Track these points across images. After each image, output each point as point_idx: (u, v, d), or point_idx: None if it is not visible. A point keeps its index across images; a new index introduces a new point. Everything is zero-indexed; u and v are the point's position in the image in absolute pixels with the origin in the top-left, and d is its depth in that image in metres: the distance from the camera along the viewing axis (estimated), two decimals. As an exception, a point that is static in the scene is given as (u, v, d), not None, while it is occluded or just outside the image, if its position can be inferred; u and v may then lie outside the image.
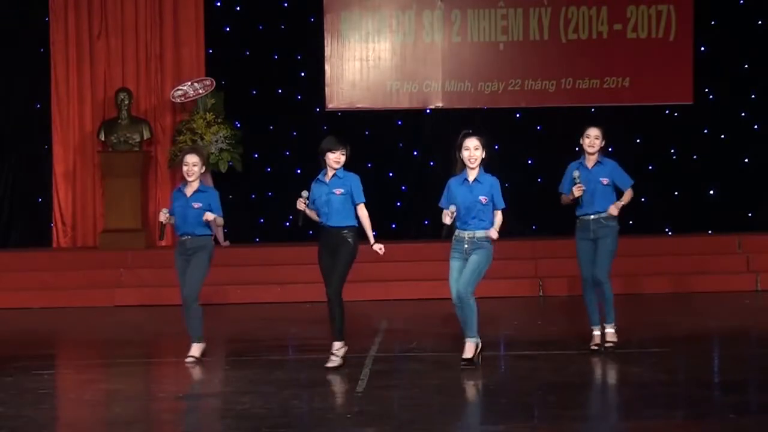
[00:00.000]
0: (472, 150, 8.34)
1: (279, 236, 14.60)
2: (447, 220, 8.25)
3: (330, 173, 8.57)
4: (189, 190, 9.00)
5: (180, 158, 9.30)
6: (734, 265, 13.44)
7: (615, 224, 8.98)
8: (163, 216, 8.96)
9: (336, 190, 8.51)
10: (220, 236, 14.24)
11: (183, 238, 8.97)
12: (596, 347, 8.94)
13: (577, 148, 9.21)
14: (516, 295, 12.68)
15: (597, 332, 9.00)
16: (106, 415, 7.50)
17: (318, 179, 8.61)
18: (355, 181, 8.60)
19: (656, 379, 8.08)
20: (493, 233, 8.31)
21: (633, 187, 9.10)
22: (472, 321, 8.35)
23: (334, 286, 8.52)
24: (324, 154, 8.55)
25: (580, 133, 9.10)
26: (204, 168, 9.10)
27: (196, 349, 9.02)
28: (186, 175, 8.99)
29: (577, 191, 8.89)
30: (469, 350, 8.37)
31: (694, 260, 13.47)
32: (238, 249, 14.05)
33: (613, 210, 8.91)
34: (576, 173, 8.93)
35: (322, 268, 8.60)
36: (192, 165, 8.96)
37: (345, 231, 8.52)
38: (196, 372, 8.82)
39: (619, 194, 9.06)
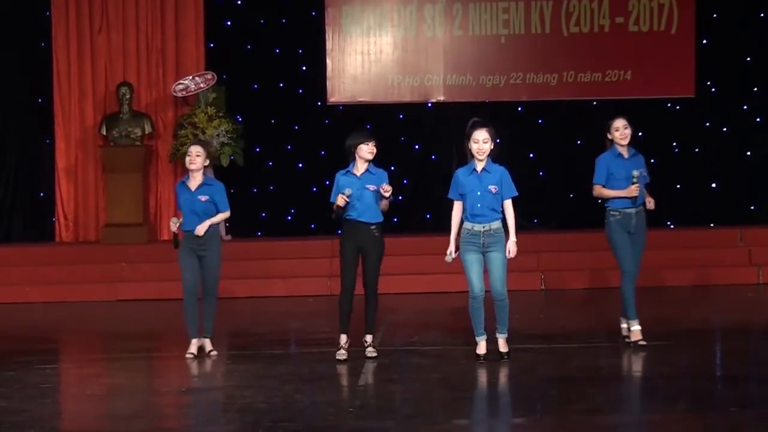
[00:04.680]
0: (481, 143, 8.28)
1: (281, 230, 14.61)
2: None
3: (361, 167, 8.60)
4: (193, 184, 8.94)
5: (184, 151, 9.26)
6: (736, 259, 13.44)
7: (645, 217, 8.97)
8: (174, 226, 8.87)
9: (369, 186, 8.56)
10: (222, 230, 14.24)
11: (194, 233, 8.91)
12: (644, 342, 8.83)
13: (609, 138, 8.95)
14: (518, 288, 12.63)
15: (637, 327, 8.87)
16: (109, 409, 7.52)
17: (348, 172, 8.62)
18: (384, 176, 8.67)
19: (658, 372, 8.09)
20: (514, 251, 8.34)
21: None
22: (507, 316, 8.44)
23: (372, 282, 8.64)
24: (356, 147, 8.58)
25: (606, 127, 8.92)
26: (208, 161, 9.06)
27: (195, 345, 9.04)
28: (188, 164, 8.90)
29: (635, 190, 8.73)
30: (505, 345, 8.45)
31: (696, 253, 13.46)
32: (239, 243, 14.05)
33: (652, 204, 8.86)
34: (636, 173, 8.74)
35: (346, 262, 8.59)
36: (195, 155, 8.89)
37: (374, 227, 8.61)
38: (199, 366, 8.83)
39: None
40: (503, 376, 8.16)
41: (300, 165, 14.74)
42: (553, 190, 14.69)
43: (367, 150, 8.59)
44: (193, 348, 9.00)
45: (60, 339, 10.90)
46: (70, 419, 7.37)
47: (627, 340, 8.90)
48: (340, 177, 8.66)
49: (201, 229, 8.85)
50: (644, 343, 8.80)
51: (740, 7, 14.78)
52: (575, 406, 7.11)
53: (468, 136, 8.33)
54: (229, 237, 14.27)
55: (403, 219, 14.63)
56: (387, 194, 8.52)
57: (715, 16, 14.77)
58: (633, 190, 8.74)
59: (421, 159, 14.87)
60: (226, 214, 9.11)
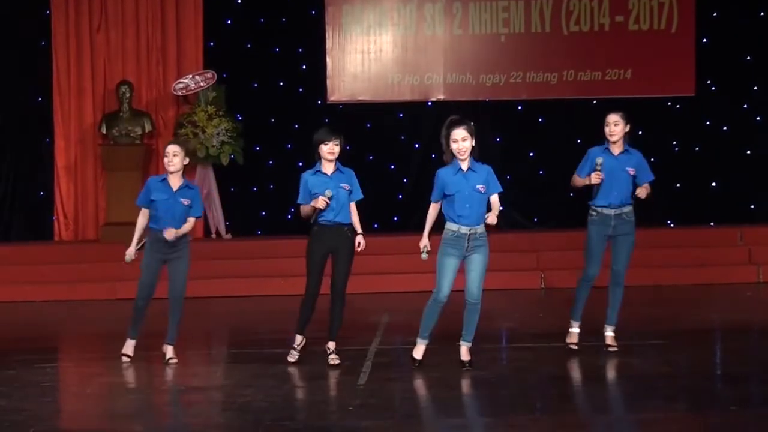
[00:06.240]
0: (461, 142, 8.02)
1: (280, 229, 14.60)
2: (424, 256, 8.07)
3: (329, 167, 8.35)
4: (174, 184, 8.62)
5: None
6: (736, 257, 13.44)
7: (634, 220, 8.65)
8: (129, 255, 8.69)
9: (344, 185, 8.33)
10: (222, 229, 14.25)
11: (163, 235, 8.59)
12: (575, 347, 8.73)
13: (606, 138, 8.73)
14: (518, 287, 12.69)
15: (577, 330, 8.77)
16: (109, 408, 7.52)
17: (318, 172, 8.34)
18: (354, 176, 8.46)
19: (657, 371, 8.09)
20: (493, 218, 7.93)
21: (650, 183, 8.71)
22: (476, 324, 8.17)
23: (342, 286, 8.39)
24: (317, 146, 8.35)
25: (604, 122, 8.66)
26: (186, 160, 8.67)
27: (131, 346, 8.83)
28: (166, 166, 8.57)
29: (595, 178, 8.39)
30: (467, 353, 8.22)
31: (696, 252, 13.48)
32: (239, 242, 14.06)
33: (642, 192, 8.44)
34: (599, 159, 8.43)
35: (316, 264, 8.35)
36: (173, 155, 8.53)
37: (346, 228, 8.38)
38: (198, 365, 8.82)
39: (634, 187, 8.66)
40: (503, 375, 8.16)
41: (300, 164, 14.72)
42: (553, 189, 14.68)
43: (326, 150, 8.29)
44: (129, 349, 8.76)
45: (60, 338, 10.90)
46: (70, 418, 7.37)
47: (611, 348, 8.74)
48: (308, 178, 8.34)
49: (171, 235, 8.50)
50: (575, 348, 8.71)
51: (740, 6, 14.77)
52: (575, 405, 7.12)
53: (447, 136, 8.10)
54: (229, 236, 14.28)
55: (403, 218, 14.64)
56: (360, 248, 8.38)
57: (715, 14, 14.77)
58: (593, 178, 8.42)
59: (421, 158, 14.86)
60: (194, 222, 8.78)
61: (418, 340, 8.34)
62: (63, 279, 13.10)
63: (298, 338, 8.58)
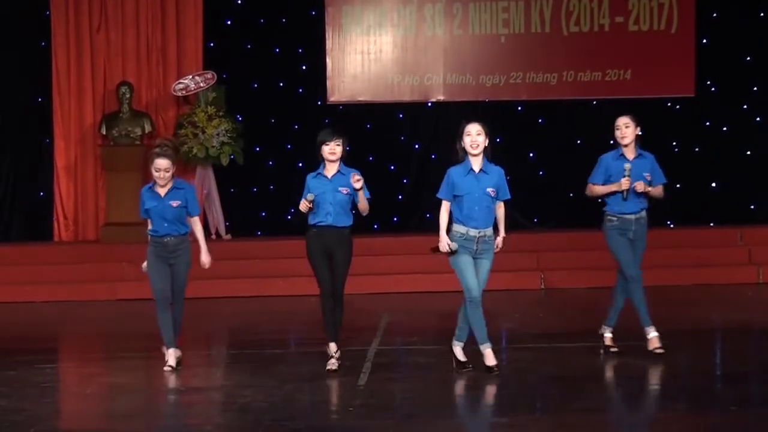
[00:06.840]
0: (474, 135, 7.91)
1: (281, 229, 14.58)
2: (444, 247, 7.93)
3: (331, 168, 8.26)
4: (162, 190, 8.55)
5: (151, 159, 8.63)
6: (736, 258, 13.44)
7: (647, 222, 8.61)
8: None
9: (342, 189, 8.20)
10: (222, 229, 14.25)
11: (165, 240, 8.54)
12: (661, 350, 8.48)
13: (611, 141, 8.74)
14: (518, 288, 12.68)
15: (656, 333, 8.52)
16: (109, 408, 7.52)
17: (319, 174, 8.26)
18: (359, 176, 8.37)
19: (658, 372, 8.09)
20: (501, 244, 7.97)
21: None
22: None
23: (341, 288, 8.27)
24: (319, 147, 8.26)
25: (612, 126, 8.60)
26: (175, 167, 8.57)
27: (173, 355, 8.56)
28: (155, 179, 8.51)
29: (625, 183, 8.34)
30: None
31: (696, 253, 13.48)
32: (239, 242, 14.06)
33: (640, 186, 8.37)
34: (628, 165, 8.38)
35: (318, 266, 8.23)
36: (164, 171, 8.47)
37: (346, 230, 8.28)
38: (198, 365, 8.81)
39: None
40: (503, 375, 8.16)
41: (300, 164, 14.73)
42: (553, 189, 14.69)
43: (327, 150, 8.19)
44: (171, 360, 8.51)
45: (60, 338, 10.90)
46: (70, 418, 7.37)
47: (612, 350, 8.66)
48: (310, 180, 8.25)
49: (207, 260, 8.71)
50: (662, 351, 8.48)
51: (740, 6, 14.77)
52: (575, 405, 7.12)
53: (461, 134, 7.98)
54: (228, 236, 14.28)
55: (403, 218, 14.64)
56: (358, 185, 8.09)
57: (715, 15, 14.77)
58: (623, 183, 8.38)
59: (420, 158, 14.87)
60: (197, 220, 8.76)
61: (482, 348, 7.99)
62: (63, 279, 13.10)
63: (333, 346, 8.27)
